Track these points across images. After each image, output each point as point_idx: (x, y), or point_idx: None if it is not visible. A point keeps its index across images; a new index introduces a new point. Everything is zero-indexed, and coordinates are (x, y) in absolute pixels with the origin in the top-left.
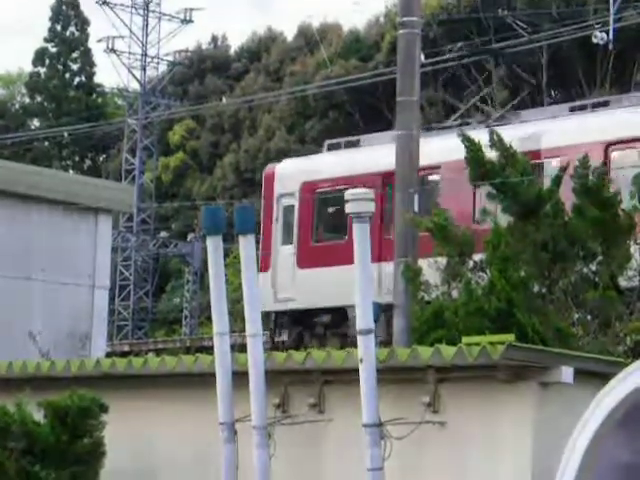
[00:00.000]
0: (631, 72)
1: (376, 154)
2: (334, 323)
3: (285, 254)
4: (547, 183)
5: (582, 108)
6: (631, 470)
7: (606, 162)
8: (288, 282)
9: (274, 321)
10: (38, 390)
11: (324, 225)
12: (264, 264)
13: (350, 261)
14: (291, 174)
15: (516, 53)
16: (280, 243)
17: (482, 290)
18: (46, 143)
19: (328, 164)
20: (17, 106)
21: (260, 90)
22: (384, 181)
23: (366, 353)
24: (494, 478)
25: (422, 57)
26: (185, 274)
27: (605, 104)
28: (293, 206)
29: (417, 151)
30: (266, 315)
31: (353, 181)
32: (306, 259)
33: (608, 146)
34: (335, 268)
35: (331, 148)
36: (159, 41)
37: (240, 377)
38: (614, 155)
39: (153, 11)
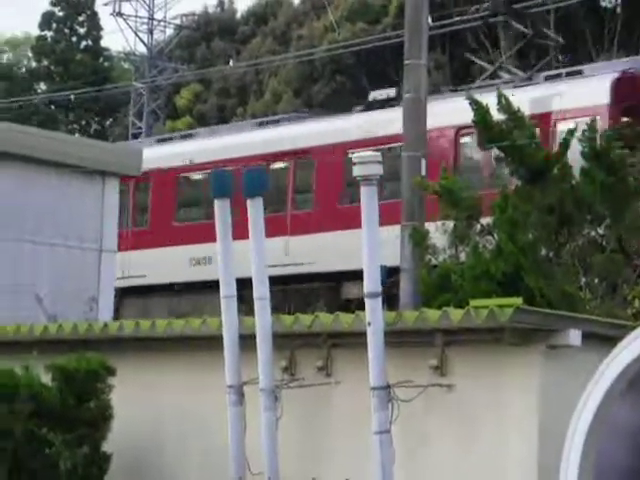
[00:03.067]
0: (639, 36)
1: None
2: None
3: None
4: None
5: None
6: (638, 432)
7: None
8: None
9: None
10: (46, 353)
11: None
12: None
13: None
14: None
15: (524, 15)
16: None
17: (489, 254)
18: (52, 107)
19: None
20: (23, 70)
21: (267, 54)
22: None
23: (374, 316)
24: (501, 441)
25: (430, 20)
26: None
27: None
28: None
29: (425, 114)
30: None
31: None
32: None
33: None
34: None
35: None
36: (166, 4)
37: (248, 340)
38: None
39: None
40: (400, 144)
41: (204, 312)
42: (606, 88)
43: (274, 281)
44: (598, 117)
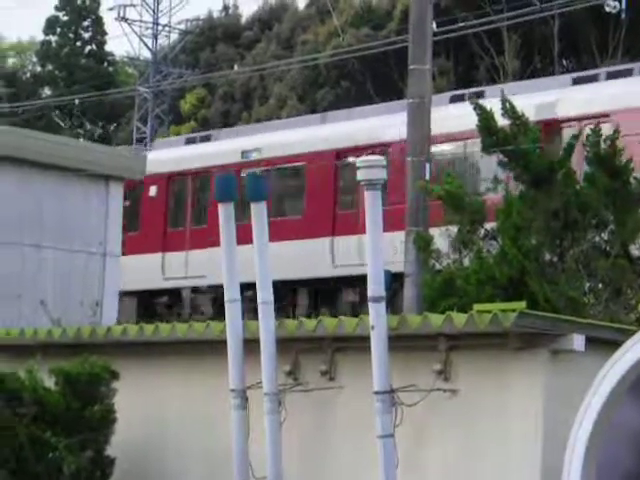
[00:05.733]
0: None
1: None
2: None
3: None
4: None
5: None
6: None
7: None
8: None
9: None
10: (49, 357)
11: None
12: None
13: None
14: None
15: (528, 22)
16: None
17: (493, 258)
18: (57, 112)
19: None
20: (28, 74)
21: (271, 59)
22: None
23: (377, 320)
24: (504, 446)
25: (434, 26)
26: None
27: None
28: None
29: (428, 119)
30: None
31: None
32: None
33: None
34: None
35: None
36: (170, 9)
37: (251, 344)
38: None
39: None
40: None
41: None
42: None
43: None
44: None
